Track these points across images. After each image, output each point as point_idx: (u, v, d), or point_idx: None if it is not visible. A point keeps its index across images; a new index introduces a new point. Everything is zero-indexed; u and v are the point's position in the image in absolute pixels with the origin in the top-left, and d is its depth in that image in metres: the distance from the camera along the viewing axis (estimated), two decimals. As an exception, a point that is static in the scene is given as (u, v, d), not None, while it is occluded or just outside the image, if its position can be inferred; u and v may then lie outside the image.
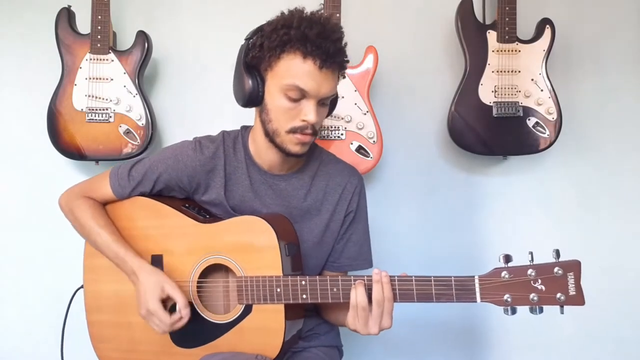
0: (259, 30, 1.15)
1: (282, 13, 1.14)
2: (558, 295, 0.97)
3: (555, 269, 0.98)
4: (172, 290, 1.14)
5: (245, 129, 1.29)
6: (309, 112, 1.10)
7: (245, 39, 1.17)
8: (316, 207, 1.26)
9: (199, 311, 1.18)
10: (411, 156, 1.91)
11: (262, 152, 1.23)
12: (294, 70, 1.08)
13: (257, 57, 1.14)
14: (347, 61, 1.15)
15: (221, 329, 1.16)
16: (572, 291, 0.97)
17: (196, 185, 1.26)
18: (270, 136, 1.16)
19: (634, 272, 1.88)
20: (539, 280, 0.98)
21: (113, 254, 1.21)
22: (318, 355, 1.27)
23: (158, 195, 1.28)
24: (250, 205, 1.24)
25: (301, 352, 1.27)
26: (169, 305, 1.17)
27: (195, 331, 1.18)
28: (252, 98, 1.15)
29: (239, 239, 1.17)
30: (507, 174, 1.91)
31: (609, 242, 1.88)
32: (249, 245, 1.15)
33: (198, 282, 1.19)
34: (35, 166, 1.92)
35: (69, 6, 1.80)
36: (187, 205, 1.27)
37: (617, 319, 1.86)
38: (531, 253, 1.00)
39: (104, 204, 1.29)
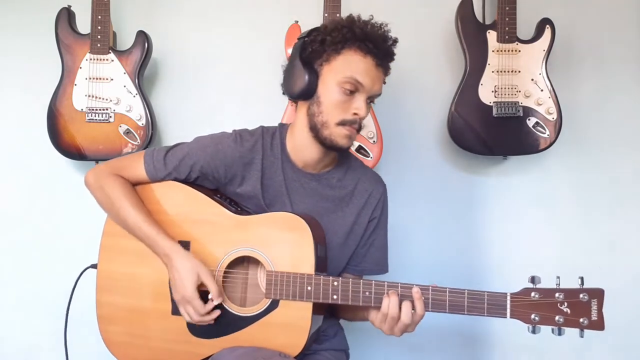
0: (316, 30, 1.22)
1: (339, 17, 1.27)
2: (581, 319, 1.03)
3: (581, 295, 1.03)
4: (206, 278, 1.14)
5: (283, 126, 1.32)
6: (360, 106, 1.17)
7: (300, 38, 1.23)
8: (342, 209, 1.28)
9: (223, 302, 1.17)
10: (411, 156, 1.91)
11: (300, 149, 1.25)
12: (354, 65, 1.16)
13: (315, 51, 1.19)
14: (393, 59, 1.23)
15: (244, 322, 1.15)
16: (594, 316, 1.03)
17: (232, 177, 1.26)
18: (316, 129, 1.19)
19: (634, 272, 1.87)
20: (566, 304, 1.04)
21: (144, 234, 1.20)
22: (327, 358, 1.27)
23: (190, 183, 1.27)
24: (282, 200, 1.26)
25: (312, 355, 1.26)
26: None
27: (215, 322, 1.16)
28: (305, 91, 1.20)
29: (274, 234, 1.17)
30: (507, 174, 1.90)
31: (609, 241, 1.88)
32: (284, 241, 1.15)
33: (224, 273, 1.18)
34: (35, 166, 1.92)
35: (69, 6, 1.80)
36: (218, 195, 1.28)
37: (616, 319, 1.85)
38: (559, 277, 1.06)
39: (135, 185, 1.28)
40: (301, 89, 1.20)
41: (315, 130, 1.20)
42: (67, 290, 1.39)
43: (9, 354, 1.94)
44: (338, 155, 1.32)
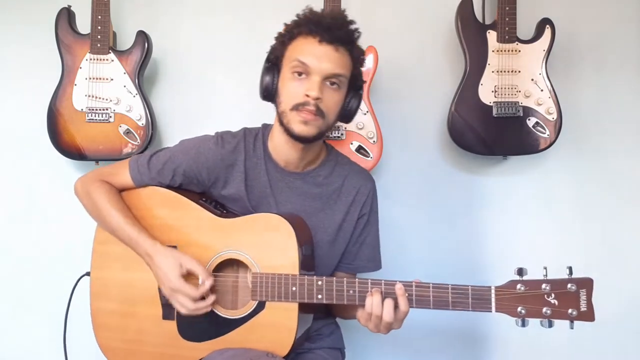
0: None
1: None
2: (570, 310, 1.00)
3: (569, 285, 1.00)
4: (190, 264, 1.15)
5: (266, 127, 1.32)
6: (310, 87, 1.14)
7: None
8: (330, 207, 1.28)
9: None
10: (411, 156, 1.91)
11: (279, 148, 1.25)
12: (299, 48, 1.17)
13: (274, 49, 1.22)
14: (352, 41, 1.18)
15: (232, 324, 1.16)
16: (583, 307, 1.00)
17: (214, 179, 1.27)
18: (281, 121, 1.20)
19: (634, 272, 1.87)
20: (553, 295, 1.01)
21: (126, 236, 1.21)
22: (322, 357, 1.28)
23: (176, 188, 1.28)
24: (267, 201, 1.26)
25: (305, 354, 1.27)
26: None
27: (205, 325, 1.17)
28: (266, 90, 1.22)
29: (258, 235, 1.17)
30: (507, 174, 1.90)
31: (609, 241, 1.88)
32: (268, 242, 1.16)
33: (212, 276, 1.18)
34: (35, 166, 1.92)
35: (69, 6, 1.80)
36: (204, 199, 1.28)
37: (616, 319, 1.85)
38: (545, 268, 1.02)
39: (121, 191, 1.30)
40: (262, 88, 1.23)
41: (281, 123, 1.20)
42: (66, 291, 1.39)
43: (7, 358, 1.93)
44: (325, 153, 1.31)
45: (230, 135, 1.28)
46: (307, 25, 1.16)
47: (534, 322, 1.03)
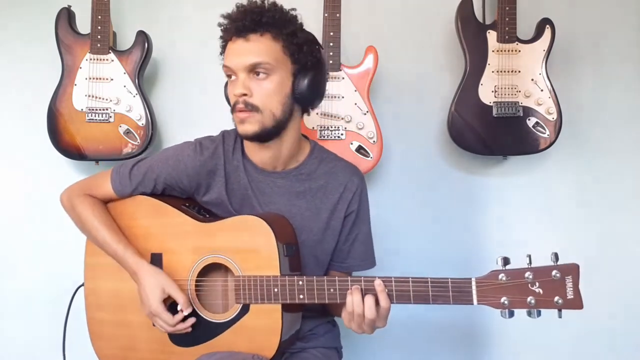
0: None
1: None
2: (556, 298, 0.96)
3: (553, 272, 0.96)
4: (172, 291, 1.16)
5: None
6: (235, 85, 1.14)
7: None
8: (315, 205, 1.25)
9: (197, 310, 1.19)
10: (411, 156, 1.91)
11: (250, 150, 1.25)
12: (225, 55, 1.18)
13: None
14: (264, 23, 1.12)
15: (219, 328, 1.16)
16: (570, 295, 0.95)
17: (196, 186, 1.26)
18: None
19: (634, 273, 1.88)
20: (537, 283, 0.97)
21: (113, 252, 1.23)
22: (316, 356, 1.27)
23: (160, 195, 1.28)
24: (250, 204, 1.25)
25: (299, 353, 1.26)
26: (168, 302, 1.18)
27: (193, 330, 1.18)
28: (227, 100, 1.22)
29: (238, 238, 1.17)
30: (507, 174, 1.91)
31: (609, 242, 1.88)
32: (248, 245, 1.15)
33: (196, 281, 1.20)
34: (35, 166, 1.92)
35: (69, 6, 1.80)
36: (187, 204, 1.28)
37: (615, 319, 1.86)
38: (529, 256, 0.99)
39: (106, 202, 1.30)
40: (226, 100, 1.23)
41: None
42: (66, 291, 1.39)
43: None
44: (307, 150, 1.28)
45: (209, 141, 1.27)
46: (222, 31, 1.17)
47: (521, 312, 0.98)
